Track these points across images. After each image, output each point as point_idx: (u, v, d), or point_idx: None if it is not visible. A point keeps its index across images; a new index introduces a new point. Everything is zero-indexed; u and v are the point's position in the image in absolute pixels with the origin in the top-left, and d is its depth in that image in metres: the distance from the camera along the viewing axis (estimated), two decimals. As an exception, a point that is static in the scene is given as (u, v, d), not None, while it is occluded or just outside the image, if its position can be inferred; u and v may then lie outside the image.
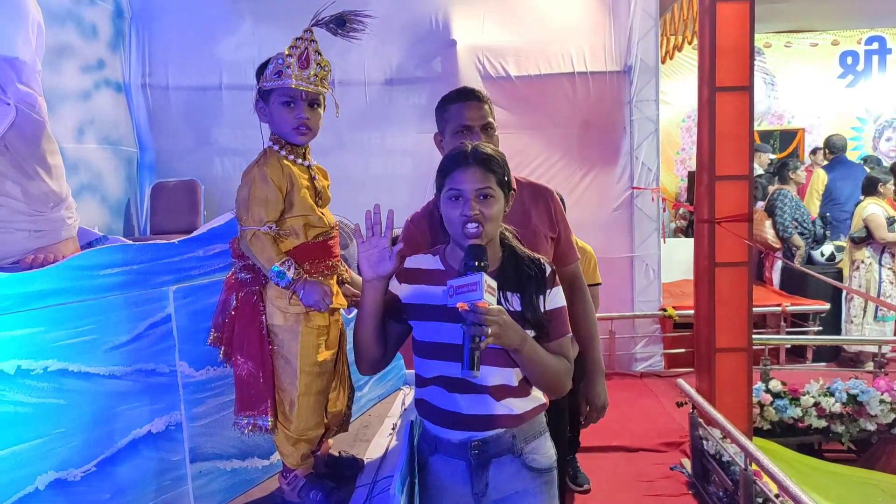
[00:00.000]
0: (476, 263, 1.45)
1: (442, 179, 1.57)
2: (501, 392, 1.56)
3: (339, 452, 1.84)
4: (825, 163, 7.63)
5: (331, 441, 1.84)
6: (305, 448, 1.65)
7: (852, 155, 8.36)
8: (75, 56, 4.72)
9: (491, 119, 2.03)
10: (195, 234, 1.77)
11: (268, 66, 1.55)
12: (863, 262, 5.86)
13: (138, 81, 5.41)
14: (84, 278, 1.44)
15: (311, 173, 1.62)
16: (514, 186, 1.64)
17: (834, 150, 7.44)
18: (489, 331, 1.40)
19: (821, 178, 7.39)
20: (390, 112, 5.52)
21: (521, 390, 1.59)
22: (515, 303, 1.56)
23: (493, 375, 1.54)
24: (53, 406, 1.35)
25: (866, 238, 5.80)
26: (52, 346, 1.35)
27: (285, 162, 1.56)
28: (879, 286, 5.77)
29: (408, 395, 2.51)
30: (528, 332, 1.53)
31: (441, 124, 2.06)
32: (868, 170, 7.37)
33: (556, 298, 1.59)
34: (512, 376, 1.57)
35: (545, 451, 1.63)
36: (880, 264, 5.80)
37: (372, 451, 1.99)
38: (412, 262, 1.66)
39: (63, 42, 4.56)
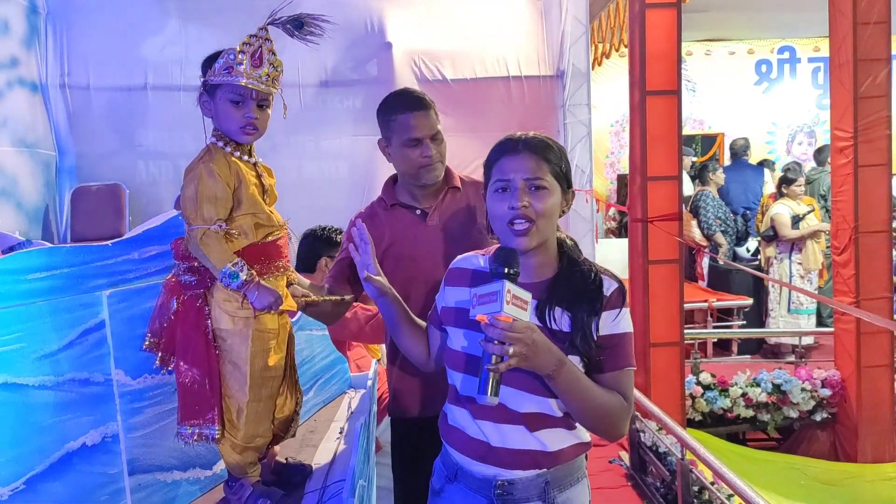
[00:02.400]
0: (505, 270, 1.27)
1: (488, 172, 1.41)
2: (538, 422, 1.37)
3: (286, 459, 1.78)
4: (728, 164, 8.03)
5: (277, 448, 1.79)
6: (253, 456, 1.59)
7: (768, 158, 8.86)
8: (-15, 53, 4.45)
9: (439, 126, 2.00)
10: (129, 235, 1.69)
11: (217, 60, 1.47)
12: (775, 258, 6.21)
13: (56, 81, 5.12)
14: (8, 283, 1.34)
15: (257, 171, 1.57)
16: (572, 186, 1.48)
17: (733, 153, 7.84)
18: (511, 350, 1.22)
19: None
20: (325, 115, 5.44)
21: (564, 422, 1.40)
22: (565, 323, 1.36)
23: (527, 402, 1.36)
24: (-23, 421, 1.25)
25: (774, 236, 6.15)
26: (-25, 357, 1.25)
27: (232, 159, 1.50)
28: (791, 280, 6.12)
29: (353, 398, 2.47)
30: (575, 357, 1.34)
31: (386, 132, 2.00)
32: (768, 172, 7.83)
33: (616, 323, 1.38)
34: (551, 405, 1.37)
35: (581, 500, 1.44)
36: (790, 259, 6.15)
37: (320, 457, 1.95)
38: (461, 262, 1.52)
39: (-29, 38, 4.29)
